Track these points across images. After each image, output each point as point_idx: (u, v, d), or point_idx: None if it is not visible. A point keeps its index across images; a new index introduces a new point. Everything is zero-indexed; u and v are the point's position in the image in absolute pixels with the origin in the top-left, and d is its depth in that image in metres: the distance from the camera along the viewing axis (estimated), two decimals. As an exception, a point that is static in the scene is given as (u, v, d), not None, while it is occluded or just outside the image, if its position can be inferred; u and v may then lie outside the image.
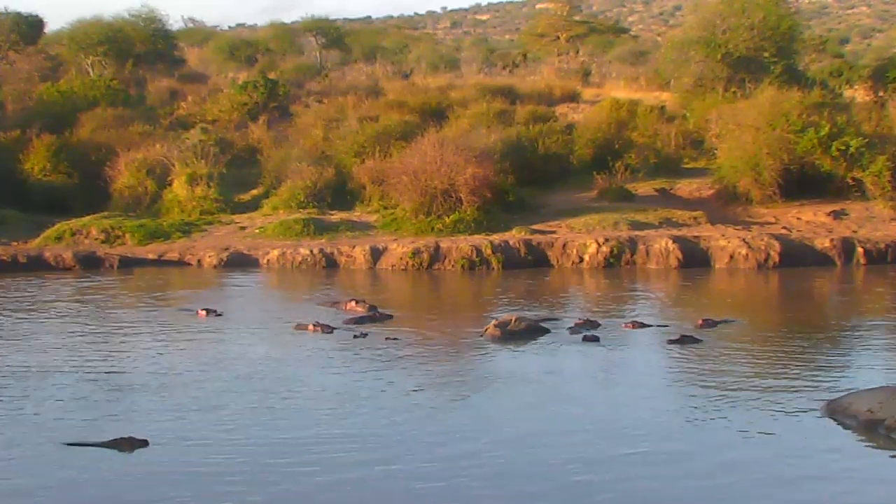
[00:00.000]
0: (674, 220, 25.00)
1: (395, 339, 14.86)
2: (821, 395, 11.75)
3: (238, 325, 16.14)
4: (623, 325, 15.92)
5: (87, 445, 9.82)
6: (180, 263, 23.14)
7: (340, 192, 26.75)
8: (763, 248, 22.88)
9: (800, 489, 9.01)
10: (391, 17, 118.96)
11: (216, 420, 10.80)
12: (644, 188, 27.59)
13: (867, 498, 8.88)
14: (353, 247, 23.12)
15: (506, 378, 12.74)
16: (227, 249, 23.45)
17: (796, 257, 22.85)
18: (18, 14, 43.54)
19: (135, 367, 13.18)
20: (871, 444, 10.24)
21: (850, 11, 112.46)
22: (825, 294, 21.25)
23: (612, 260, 22.77)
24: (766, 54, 32.58)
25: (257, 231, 24.96)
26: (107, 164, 27.46)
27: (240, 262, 22.93)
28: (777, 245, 22.95)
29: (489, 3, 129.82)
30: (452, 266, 22.51)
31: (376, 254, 22.85)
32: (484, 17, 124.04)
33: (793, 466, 9.54)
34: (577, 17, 61.84)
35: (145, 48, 40.69)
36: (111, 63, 39.32)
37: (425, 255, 22.63)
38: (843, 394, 11.52)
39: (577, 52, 51.17)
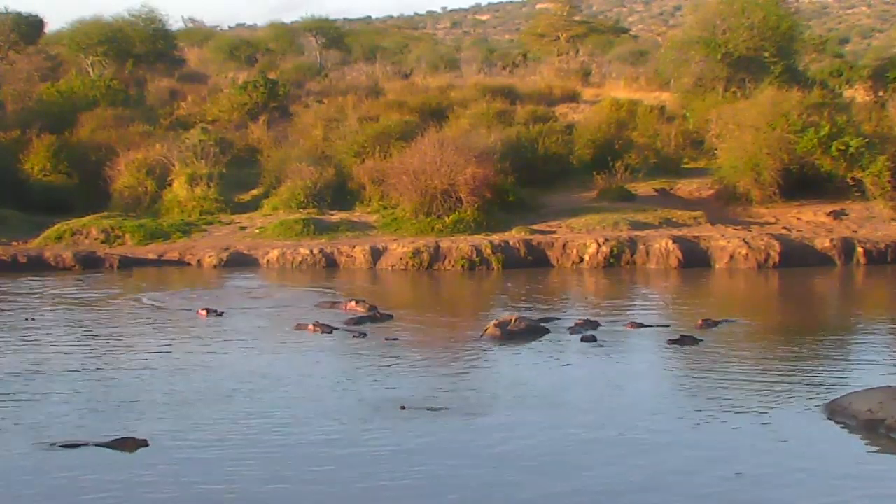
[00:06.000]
0: (674, 220, 25.01)
1: (394, 339, 14.86)
2: (821, 395, 11.74)
3: (239, 325, 16.14)
4: (623, 325, 15.90)
5: (88, 446, 9.81)
6: (180, 263, 23.16)
7: (340, 192, 26.77)
8: (763, 248, 22.90)
9: (799, 489, 9.00)
10: (391, 17, 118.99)
11: (217, 420, 10.78)
12: (644, 188, 27.60)
13: (867, 498, 8.88)
14: (353, 247, 23.14)
15: (505, 380, 12.73)
16: (227, 249, 23.47)
17: (796, 257, 22.87)
18: (18, 14, 43.50)
19: (135, 368, 13.16)
20: (871, 444, 10.23)
21: (850, 11, 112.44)
22: (825, 294, 21.26)
23: (612, 260, 22.78)
24: (766, 54, 32.57)
25: (257, 231, 24.97)
26: (107, 164, 27.49)
27: (240, 262, 22.96)
28: (777, 245, 22.96)
29: (489, 3, 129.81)
30: (452, 266, 22.52)
31: (376, 254, 22.86)
32: (484, 17, 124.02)
33: (792, 466, 9.53)
34: (577, 18, 61.78)
35: (145, 48, 40.67)
36: (111, 63, 39.32)
37: (425, 256, 22.63)
38: (843, 394, 11.52)
39: (577, 52, 51.15)
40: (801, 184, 26.29)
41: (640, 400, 11.71)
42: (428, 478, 9.18)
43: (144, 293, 19.22)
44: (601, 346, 14.46)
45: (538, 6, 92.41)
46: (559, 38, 54.84)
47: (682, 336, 14.79)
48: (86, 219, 25.24)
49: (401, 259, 22.65)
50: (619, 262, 22.81)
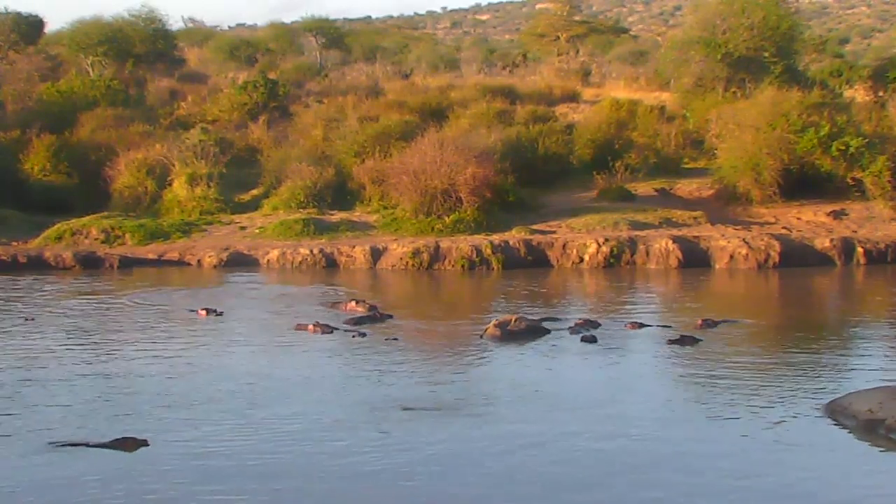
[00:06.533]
0: (674, 220, 25.02)
1: (395, 339, 14.85)
2: (821, 395, 11.74)
3: (239, 325, 16.14)
4: (623, 325, 15.90)
5: (88, 446, 9.81)
6: (180, 263, 23.16)
7: (340, 192, 26.77)
8: (763, 248, 22.90)
9: (799, 489, 9.00)
10: (391, 17, 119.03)
11: (217, 421, 10.78)
12: (644, 188, 27.61)
13: (866, 498, 8.87)
14: (353, 247, 23.14)
15: (506, 381, 12.71)
16: (227, 249, 23.46)
17: (796, 257, 22.88)
18: (18, 14, 43.55)
19: (135, 368, 13.16)
20: (871, 444, 10.23)
21: (850, 11, 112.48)
22: (825, 294, 21.26)
23: (612, 260, 22.78)
24: (766, 54, 32.59)
25: (257, 231, 24.97)
26: (107, 164, 27.49)
27: (240, 262, 22.96)
28: (777, 245, 22.97)
29: (489, 3, 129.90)
30: (452, 266, 22.52)
31: (376, 254, 22.86)
32: (484, 17, 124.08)
33: (792, 466, 9.53)
34: (577, 18, 61.84)
35: (145, 48, 40.68)
36: (111, 63, 39.33)
37: (425, 255, 22.64)
38: (843, 394, 11.51)
39: (577, 52, 51.18)
40: (801, 184, 26.29)
41: (642, 404, 11.62)
42: (429, 486, 9.13)
43: (129, 293, 19.21)
44: (602, 346, 14.46)
45: (538, 6, 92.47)
46: (559, 38, 54.87)
47: (682, 336, 14.79)
48: (86, 219, 25.24)
49: (401, 259, 22.65)
50: (619, 262, 22.81)
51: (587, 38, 55.17)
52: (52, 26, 46.20)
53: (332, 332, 15.22)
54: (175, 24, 49.24)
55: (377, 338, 14.89)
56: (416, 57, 49.79)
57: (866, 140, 25.97)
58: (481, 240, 23.31)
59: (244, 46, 48.68)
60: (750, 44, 32.62)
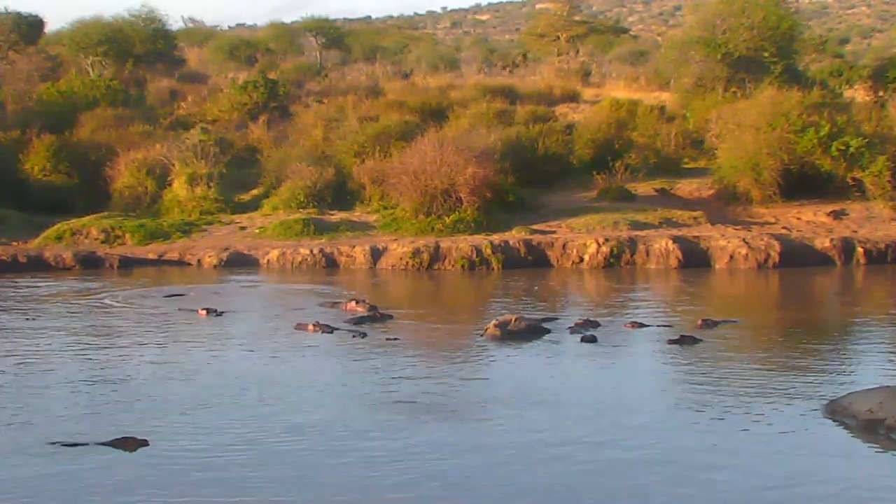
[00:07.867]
0: (674, 220, 25.02)
1: (395, 339, 14.85)
2: (821, 395, 11.74)
3: (238, 325, 16.14)
4: (623, 325, 15.91)
5: (89, 446, 9.81)
6: (180, 263, 23.18)
7: (340, 192, 26.78)
8: (763, 248, 22.90)
9: (799, 489, 9.00)
10: (391, 17, 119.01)
11: (218, 420, 10.77)
12: (644, 188, 27.61)
13: (866, 498, 8.87)
14: (353, 247, 23.14)
15: (507, 382, 12.70)
16: (227, 249, 23.47)
17: (796, 257, 22.89)
18: (18, 14, 43.53)
19: (135, 368, 13.15)
20: (871, 444, 10.23)
21: (850, 11, 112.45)
22: (825, 294, 21.26)
23: (612, 260, 22.79)
24: (766, 54, 32.59)
25: (257, 231, 24.98)
26: (107, 164, 27.52)
27: (240, 262, 22.97)
28: (777, 245, 22.97)
29: (489, 3, 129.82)
30: (452, 266, 22.52)
31: (376, 254, 22.87)
32: (484, 17, 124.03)
33: (792, 466, 9.52)
34: (577, 18, 61.74)
35: (145, 48, 40.70)
36: (111, 63, 39.35)
37: (425, 255, 22.64)
38: (843, 394, 11.51)
39: (577, 52, 51.16)
40: (801, 184, 26.30)
41: (644, 407, 11.54)
42: (429, 489, 9.11)
43: (129, 293, 19.20)
44: (601, 346, 14.45)
45: (538, 6, 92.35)
46: (559, 38, 54.82)
47: (682, 336, 14.78)
48: (86, 219, 25.25)
49: (401, 259, 22.65)
50: (619, 262, 22.81)
51: (587, 38, 55.12)
52: (52, 26, 46.27)
53: (332, 332, 15.21)
54: (175, 24, 49.33)
55: (377, 338, 14.88)
56: (416, 57, 49.79)
57: (866, 140, 25.98)
58: (481, 240, 23.32)
59: (244, 46, 48.68)
60: (750, 44, 32.62)
